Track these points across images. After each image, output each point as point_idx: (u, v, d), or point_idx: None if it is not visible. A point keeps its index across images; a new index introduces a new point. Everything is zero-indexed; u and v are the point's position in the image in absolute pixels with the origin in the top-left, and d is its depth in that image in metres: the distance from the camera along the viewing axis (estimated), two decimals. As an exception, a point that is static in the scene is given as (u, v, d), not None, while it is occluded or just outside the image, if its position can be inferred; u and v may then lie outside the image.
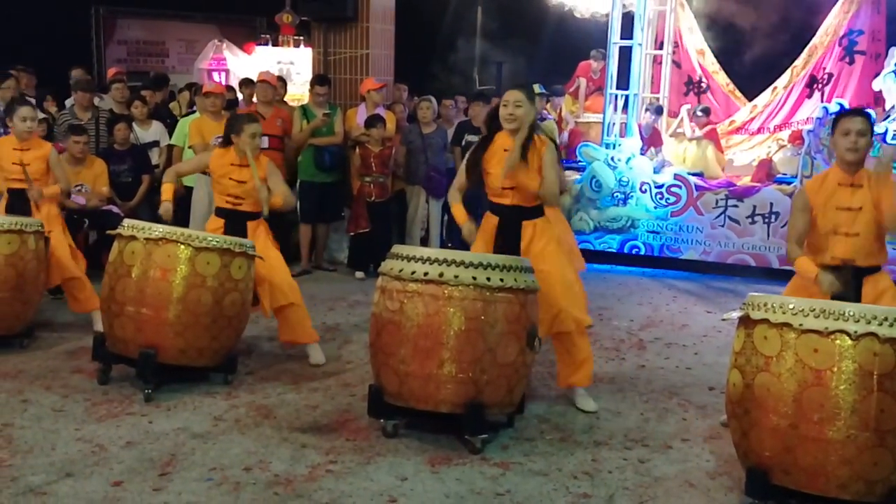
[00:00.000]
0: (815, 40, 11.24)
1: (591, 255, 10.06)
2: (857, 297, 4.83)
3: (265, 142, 8.41)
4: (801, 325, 3.95)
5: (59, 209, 7.07)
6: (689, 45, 11.95)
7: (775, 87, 11.44)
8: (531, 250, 5.30)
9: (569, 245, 5.63)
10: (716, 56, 12.05)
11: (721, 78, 12.04)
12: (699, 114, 10.79)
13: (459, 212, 5.60)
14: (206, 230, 6.16)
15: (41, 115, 8.59)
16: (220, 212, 6.26)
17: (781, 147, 10.86)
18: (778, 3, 11.73)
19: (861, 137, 4.86)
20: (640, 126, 10.77)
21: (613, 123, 11.09)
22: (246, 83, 10.89)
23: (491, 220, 5.47)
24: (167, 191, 6.37)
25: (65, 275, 6.79)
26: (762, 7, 11.74)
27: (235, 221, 6.16)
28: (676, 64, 11.98)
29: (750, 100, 11.79)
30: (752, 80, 12.08)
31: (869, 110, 9.40)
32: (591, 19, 12.51)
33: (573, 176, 10.39)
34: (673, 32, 11.72)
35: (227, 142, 6.24)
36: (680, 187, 9.95)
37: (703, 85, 12.02)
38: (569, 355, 5.47)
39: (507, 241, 5.33)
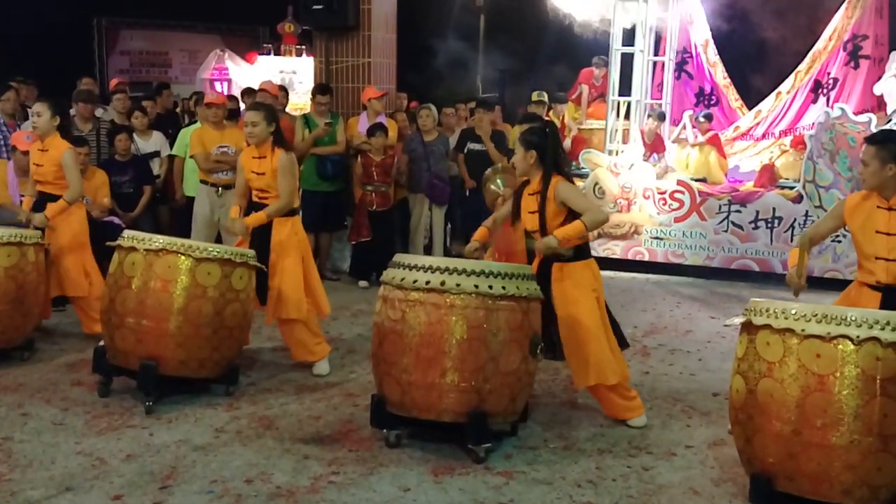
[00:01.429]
0: (818, 45, 11.19)
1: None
2: None
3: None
4: (803, 330, 3.94)
5: (82, 223, 6.98)
6: (703, 58, 11.93)
7: (779, 93, 11.40)
8: (556, 293, 5.22)
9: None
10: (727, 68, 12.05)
11: (731, 93, 12.02)
12: (701, 119, 10.76)
13: (479, 233, 5.57)
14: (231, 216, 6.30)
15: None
16: (251, 206, 6.27)
17: (784, 152, 10.83)
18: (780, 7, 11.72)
19: (865, 167, 4.79)
20: (642, 132, 10.75)
21: (616, 130, 11.07)
22: (248, 92, 10.91)
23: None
24: (234, 211, 6.39)
25: (71, 292, 6.77)
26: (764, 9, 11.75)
27: (258, 232, 6.13)
28: (689, 75, 11.96)
29: (752, 107, 11.76)
30: (755, 86, 12.07)
31: (870, 114, 9.43)
32: (593, 26, 12.49)
33: (577, 183, 10.33)
34: (689, 44, 11.72)
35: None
36: (683, 193, 9.92)
37: (714, 98, 11.99)
38: (608, 396, 5.38)
39: (540, 281, 5.18)
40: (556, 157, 5.25)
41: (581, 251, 5.30)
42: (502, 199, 5.94)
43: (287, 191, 6.15)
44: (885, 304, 4.72)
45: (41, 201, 6.81)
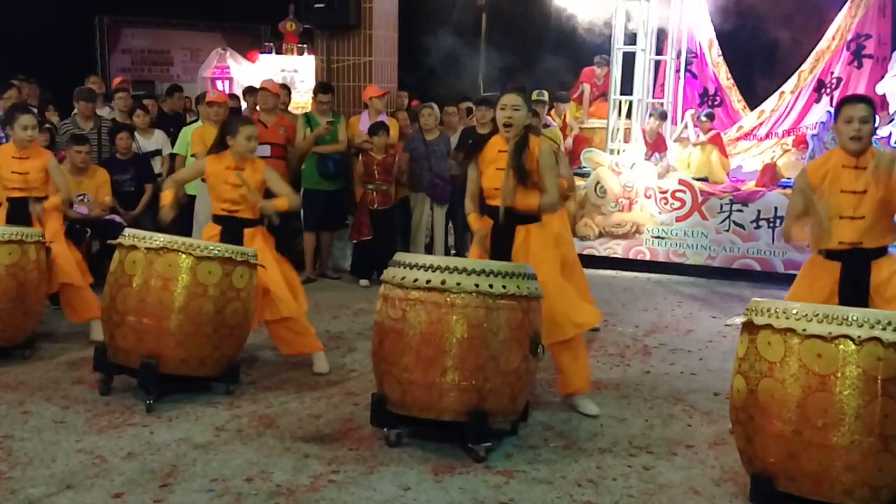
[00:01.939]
0: (821, 44, 11.20)
1: (596, 261, 10.08)
2: (865, 280, 4.78)
3: (268, 150, 8.43)
4: (804, 330, 3.92)
5: (61, 220, 7.03)
6: (708, 58, 11.93)
7: (782, 92, 11.40)
8: (521, 256, 5.27)
9: (567, 258, 5.57)
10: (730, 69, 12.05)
11: (734, 94, 12.02)
12: (703, 118, 10.76)
13: (473, 221, 5.56)
14: (203, 238, 6.13)
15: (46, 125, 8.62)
16: (216, 219, 6.19)
17: (786, 151, 10.83)
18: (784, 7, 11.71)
19: (864, 125, 4.84)
20: (644, 131, 10.74)
21: (618, 129, 11.07)
22: (249, 91, 10.90)
23: (486, 223, 5.45)
24: (166, 197, 6.31)
25: (61, 279, 6.75)
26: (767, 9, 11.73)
27: (232, 228, 6.08)
28: (693, 74, 11.96)
29: (755, 107, 11.76)
30: (758, 85, 12.06)
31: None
32: (595, 25, 12.49)
33: (578, 182, 10.35)
34: (693, 43, 11.72)
35: (222, 145, 6.17)
36: (685, 192, 9.92)
37: (717, 99, 11.99)
38: (571, 362, 5.44)
39: (501, 244, 5.29)
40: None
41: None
42: None
43: (291, 191, 6.25)
44: (846, 270, 4.80)
45: (18, 207, 6.78)
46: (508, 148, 5.24)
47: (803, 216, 5.00)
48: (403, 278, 4.75)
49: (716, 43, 11.87)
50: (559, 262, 5.49)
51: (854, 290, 4.81)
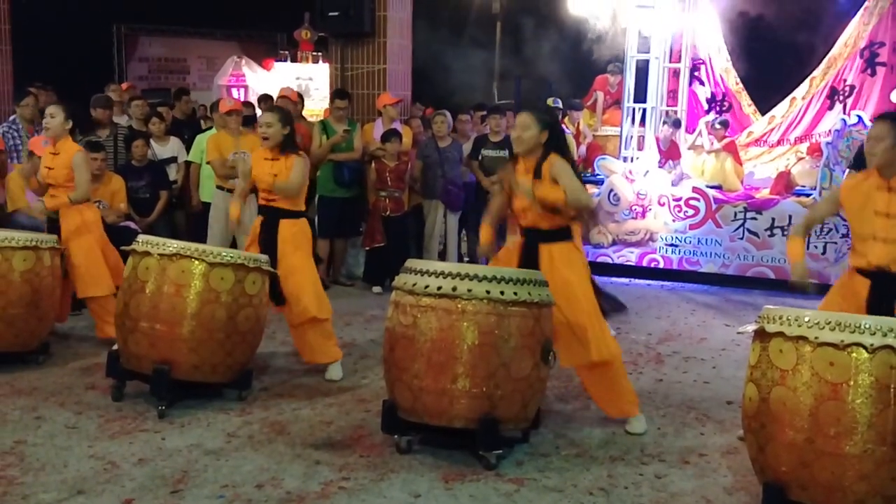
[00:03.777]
0: (833, 51, 11.15)
1: (609, 269, 10.06)
2: (891, 302, 4.71)
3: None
4: (816, 338, 3.90)
5: (95, 226, 7.01)
6: (716, 64, 11.90)
7: (794, 98, 11.36)
8: (549, 278, 5.15)
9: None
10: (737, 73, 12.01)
11: (744, 98, 11.98)
12: (717, 126, 10.74)
13: (484, 232, 5.60)
14: (251, 229, 6.29)
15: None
16: (259, 209, 6.31)
17: (800, 159, 10.78)
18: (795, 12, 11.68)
19: (878, 143, 4.72)
20: (657, 139, 10.73)
21: (631, 137, 11.05)
22: (264, 99, 10.95)
23: (516, 241, 5.45)
24: (234, 213, 6.50)
25: (85, 292, 6.79)
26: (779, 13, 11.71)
27: (270, 218, 6.16)
28: (700, 81, 11.94)
29: (765, 112, 11.72)
30: (768, 90, 12.02)
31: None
32: (608, 32, 12.48)
33: (592, 189, 10.35)
34: (700, 50, 11.69)
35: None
36: (698, 200, 9.89)
37: (727, 104, 11.96)
38: (614, 384, 5.36)
39: (527, 263, 5.23)
40: (559, 139, 5.32)
41: (566, 232, 5.30)
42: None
43: (296, 186, 6.24)
44: (874, 289, 4.74)
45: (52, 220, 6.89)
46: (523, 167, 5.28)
47: (816, 222, 4.99)
48: (415, 285, 4.75)
49: (723, 48, 11.84)
50: (587, 279, 5.37)
51: (880, 310, 4.72)
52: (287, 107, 9.09)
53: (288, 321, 6.33)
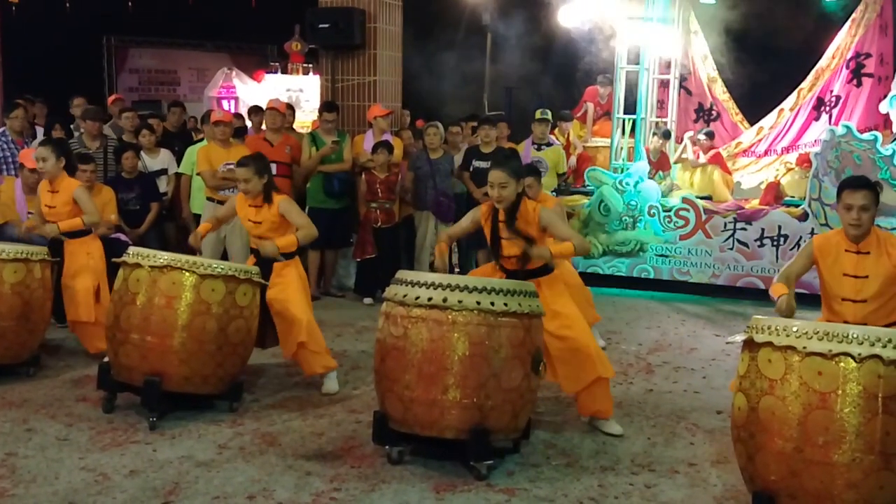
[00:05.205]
0: (821, 62, 11.24)
1: (599, 279, 10.07)
2: None
3: (273, 169, 8.44)
4: (804, 347, 3.92)
5: (101, 249, 7.10)
6: (702, 73, 11.97)
7: (781, 109, 11.43)
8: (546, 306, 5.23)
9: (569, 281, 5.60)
10: (725, 83, 12.08)
11: (731, 106, 12.05)
12: (702, 138, 10.80)
13: (440, 250, 5.60)
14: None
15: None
16: (252, 252, 6.35)
17: (789, 170, 10.83)
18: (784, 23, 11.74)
19: (864, 213, 4.78)
20: (647, 150, 10.77)
21: (621, 148, 11.10)
22: (255, 111, 10.97)
23: (443, 251, 5.58)
24: (204, 227, 6.56)
25: (77, 316, 6.80)
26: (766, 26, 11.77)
27: (262, 263, 6.13)
28: (687, 91, 12.00)
29: (754, 123, 11.79)
30: (756, 102, 12.09)
31: (876, 133, 9.41)
32: (598, 44, 12.53)
33: (582, 200, 10.39)
34: (687, 60, 11.76)
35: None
36: (688, 211, 9.93)
37: (714, 113, 12.03)
38: (601, 391, 5.46)
39: None
40: (528, 170, 5.55)
41: (548, 267, 5.46)
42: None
43: (307, 221, 6.29)
44: None
45: (54, 241, 6.93)
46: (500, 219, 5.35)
47: (795, 276, 5.04)
48: (405, 296, 4.76)
49: (710, 57, 11.91)
50: (575, 306, 5.50)
51: None
52: (276, 117, 9.12)
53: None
